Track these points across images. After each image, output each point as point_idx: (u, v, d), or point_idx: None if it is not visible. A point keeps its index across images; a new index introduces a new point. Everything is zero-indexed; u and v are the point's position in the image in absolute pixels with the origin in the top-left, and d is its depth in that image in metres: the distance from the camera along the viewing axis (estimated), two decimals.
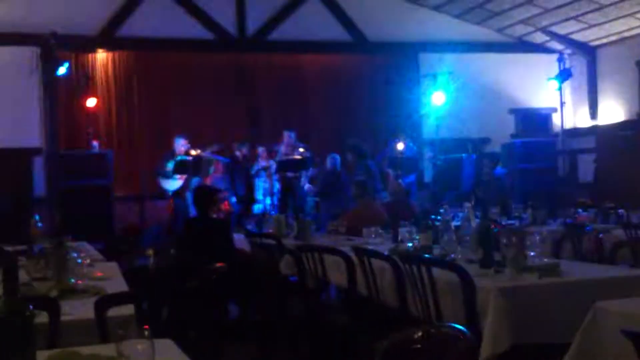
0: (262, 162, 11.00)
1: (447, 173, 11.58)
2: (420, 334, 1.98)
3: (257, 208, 10.60)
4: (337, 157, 10.55)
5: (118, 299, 3.26)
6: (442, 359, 1.94)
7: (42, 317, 2.94)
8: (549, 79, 13.05)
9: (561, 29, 12.75)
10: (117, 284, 4.00)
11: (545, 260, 4.03)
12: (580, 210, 7.55)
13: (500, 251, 3.94)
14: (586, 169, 13.16)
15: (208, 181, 10.47)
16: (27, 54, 11.06)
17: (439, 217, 6.17)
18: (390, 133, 11.97)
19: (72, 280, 3.74)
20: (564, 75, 12.98)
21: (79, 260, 4.18)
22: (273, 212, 8.96)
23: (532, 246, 3.96)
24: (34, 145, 11.04)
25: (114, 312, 3.12)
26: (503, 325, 3.32)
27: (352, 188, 8.24)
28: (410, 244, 5.05)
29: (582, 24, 12.31)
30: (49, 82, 11.06)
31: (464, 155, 11.81)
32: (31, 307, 1.86)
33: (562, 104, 13.31)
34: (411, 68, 13.14)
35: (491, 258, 3.93)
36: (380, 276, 4.46)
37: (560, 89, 13.07)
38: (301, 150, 11.14)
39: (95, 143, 11.06)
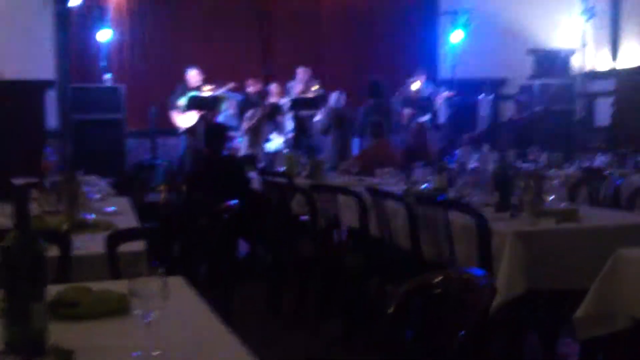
0: (280, 101, 10.87)
1: (463, 114, 11.43)
2: (440, 278, 1.93)
3: (268, 146, 10.52)
4: (340, 94, 10.42)
5: (129, 234, 3.24)
6: (463, 305, 1.90)
7: (53, 251, 2.93)
8: (571, 16, 12.71)
9: None
10: (128, 219, 3.98)
11: (563, 205, 3.96)
12: (599, 154, 7.42)
13: (517, 195, 3.88)
14: (604, 112, 12.95)
15: (220, 118, 10.38)
16: None
17: (454, 159, 6.11)
18: (407, 72, 11.78)
19: (84, 215, 3.72)
20: (588, 13, 12.65)
21: (91, 195, 4.15)
22: (285, 151, 8.88)
23: (550, 190, 3.89)
24: (46, 77, 10.94)
25: (125, 247, 3.10)
26: (518, 270, 3.28)
27: (366, 127, 8.15)
28: (424, 186, 4.99)
29: None
30: (62, 13, 10.89)
31: (480, 96, 11.64)
32: (42, 241, 1.83)
33: (583, 45, 13.02)
34: (429, 5, 12.85)
35: (507, 202, 3.87)
36: (393, 218, 4.41)
37: (583, 28, 12.74)
38: (315, 88, 10.99)
39: (107, 76, 10.95)
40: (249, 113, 10.27)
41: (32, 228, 1.83)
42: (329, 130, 10.10)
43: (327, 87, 11.17)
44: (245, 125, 10.29)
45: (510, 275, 3.27)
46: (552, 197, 3.92)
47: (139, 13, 11.73)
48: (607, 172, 5.99)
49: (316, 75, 11.52)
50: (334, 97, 10.45)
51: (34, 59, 10.81)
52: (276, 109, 10.54)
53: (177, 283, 2.45)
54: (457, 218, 3.72)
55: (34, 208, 4.08)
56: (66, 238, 3.05)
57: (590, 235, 3.53)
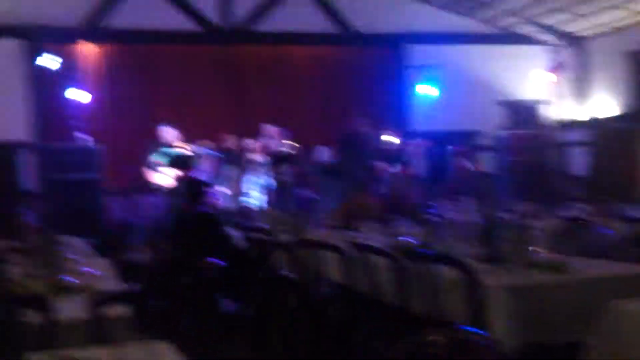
0: (257, 157, 10.82)
1: (436, 166, 11.48)
2: (442, 338, 1.88)
3: (246, 202, 10.44)
4: (324, 148, 10.44)
5: (112, 297, 3.15)
6: None
7: (33, 317, 2.83)
8: (539, 69, 12.98)
9: (550, 20, 12.68)
10: (112, 282, 3.89)
11: (548, 255, 3.94)
12: (577, 204, 7.46)
13: (504, 246, 3.85)
14: (577, 162, 13.11)
15: (199, 175, 10.31)
16: (12, 46, 10.86)
17: (432, 211, 6.08)
18: (378, 125, 11.85)
19: (65, 278, 3.62)
20: (555, 66, 12.93)
21: (71, 257, 4.06)
22: (265, 207, 8.83)
23: (536, 241, 3.87)
24: (20, 138, 10.86)
25: (109, 311, 3.01)
26: (511, 323, 3.23)
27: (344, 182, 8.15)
28: (407, 238, 4.95)
29: (571, 14, 12.24)
30: (35, 74, 10.87)
31: (451, 148, 11.71)
32: (20, 306, 1.76)
33: (552, 96, 13.27)
34: (398, 60, 13.03)
35: (494, 253, 3.84)
36: (379, 272, 4.36)
37: (550, 79, 13.01)
38: (287, 143, 11.01)
39: (81, 136, 10.87)
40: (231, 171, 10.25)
41: (7, 295, 1.76)
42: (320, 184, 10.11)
43: (301, 142, 11.18)
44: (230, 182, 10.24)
45: (502, 330, 3.23)
46: (536, 248, 3.90)
47: (112, 72, 11.72)
48: (589, 221, 5.99)
49: (291, 129, 11.55)
50: (321, 152, 10.45)
51: (6, 120, 10.75)
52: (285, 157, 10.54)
53: (163, 350, 2.37)
54: (445, 271, 3.69)
55: (16, 272, 3.98)
56: (47, 303, 2.95)
57: (581, 286, 3.49)
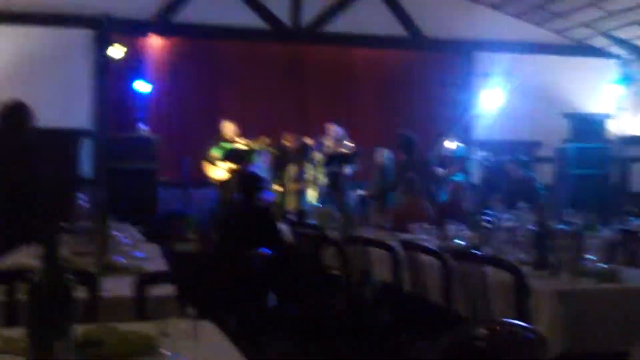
0: (315, 155, 10.85)
1: (496, 175, 11.31)
2: (485, 331, 1.83)
3: (300, 200, 10.48)
4: (387, 151, 10.39)
5: (159, 278, 3.19)
6: (509, 359, 1.79)
7: (81, 293, 2.88)
8: (609, 82, 12.68)
9: (623, 33, 12.36)
10: (158, 265, 3.94)
11: (602, 265, 3.84)
12: (632, 217, 7.25)
13: (555, 254, 3.78)
14: (637, 178, 12.75)
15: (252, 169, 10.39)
16: (82, 36, 11.12)
17: (488, 218, 5.98)
18: (440, 132, 11.75)
19: (114, 258, 3.68)
20: (626, 80, 12.61)
21: (121, 239, 4.12)
22: (318, 205, 8.83)
23: (590, 250, 3.77)
24: (84, 126, 11.12)
25: (154, 291, 3.04)
26: (557, 329, 3.15)
27: (400, 184, 8.09)
28: (458, 242, 4.90)
29: None
30: (102, 64, 11.10)
31: (509, 157, 11.53)
32: (70, 277, 1.78)
33: (620, 109, 12.94)
34: (465, 67, 12.90)
35: (546, 260, 3.76)
36: (427, 272, 4.31)
37: (620, 93, 12.70)
38: (347, 144, 11.00)
39: (143, 127, 11.08)
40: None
41: (63, 262, 1.78)
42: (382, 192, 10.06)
43: (359, 144, 11.16)
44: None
45: (549, 335, 3.14)
46: (590, 257, 3.81)
47: (177, 66, 11.91)
48: None
49: (350, 132, 11.54)
50: (385, 155, 10.42)
51: (72, 109, 11.00)
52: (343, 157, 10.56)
53: (207, 327, 2.38)
54: (493, 274, 3.62)
55: (64, 251, 4.06)
56: (95, 279, 3.00)
57: (631, 296, 3.39)
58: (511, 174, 10.03)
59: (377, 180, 10.28)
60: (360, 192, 10.57)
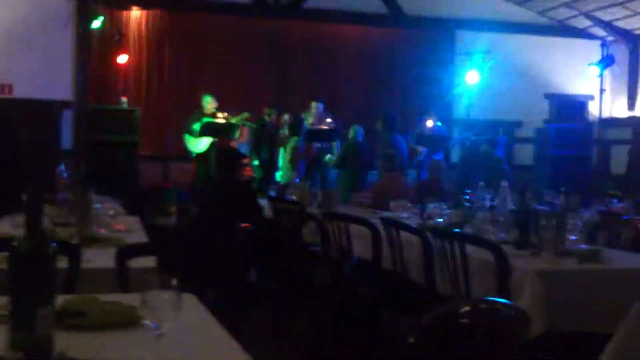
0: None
1: (477, 154, 11.35)
2: (468, 308, 1.83)
3: (279, 175, 10.47)
4: (360, 128, 10.36)
5: (140, 249, 3.16)
6: (492, 337, 1.79)
7: (62, 263, 2.85)
8: (590, 64, 12.74)
9: (605, 15, 12.40)
10: (139, 237, 3.92)
11: (583, 246, 3.86)
12: (614, 200, 7.33)
13: (537, 233, 3.79)
14: (620, 160, 12.86)
15: (233, 145, 10.34)
16: (64, 7, 10.95)
17: (469, 197, 6.01)
18: (421, 110, 11.75)
19: (95, 229, 3.65)
20: (606, 61, 12.68)
21: (102, 211, 4.09)
22: (296, 180, 8.82)
23: (572, 231, 3.79)
24: (64, 97, 10.99)
25: (135, 263, 3.03)
26: (539, 309, 3.17)
27: (380, 161, 8.08)
28: (439, 220, 4.91)
29: (627, 10, 11.96)
30: (83, 35, 10.96)
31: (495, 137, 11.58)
32: (53, 244, 1.75)
33: (601, 91, 13.02)
34: (446, 45, 12.89)
35: (527, 239, 3.78)
36: (407, 250, 4.32)
37: (601, 75, 12.77)
38: (328, 121, 10.97)
39: (124, 99, 10.98)
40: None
41: (46, 231, 1.76)
42: (344, 163, 10.03)
43: (340, 121, 11.14)
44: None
45: (530, 314, 3.16)
46: (573, 237, 3.83)
47: (158, 38, 11.80)
48: (626, 217, 5.88)
49: (330, 108, 11.52)
50: (353, 131, 10.39)
51: (52, 80, 10.88)
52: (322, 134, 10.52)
53: (188, 299, 2.37)
54: (474, 253, 3.63)
55: (46, 221, 4.02)
56: (76, 250, 2.98)
57: (613, 277, 3.42)
58: (483, 155, 10.09)
59: (342, 153, 10.24)
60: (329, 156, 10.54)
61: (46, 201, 4.30)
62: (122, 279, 2.89)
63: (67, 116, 11.00)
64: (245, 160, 9.89)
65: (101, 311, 2.08)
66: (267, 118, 10.96)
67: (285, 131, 10.74)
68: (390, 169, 7.58)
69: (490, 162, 9.52)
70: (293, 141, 10.18)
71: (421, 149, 10.64)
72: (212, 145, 10.34)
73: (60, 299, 2.08)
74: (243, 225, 4.02)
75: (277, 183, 9.53)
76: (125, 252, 3.01)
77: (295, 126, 10.34)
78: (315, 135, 10.65)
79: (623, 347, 2.66)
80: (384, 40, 12.70)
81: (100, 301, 2.17)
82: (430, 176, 8.20)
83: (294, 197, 7.12)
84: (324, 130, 10.74)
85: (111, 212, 4.30)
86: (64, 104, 10.97)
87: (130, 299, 2.05)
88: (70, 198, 4.04)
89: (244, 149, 10.41)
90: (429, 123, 11.29)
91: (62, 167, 6.13)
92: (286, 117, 10.99)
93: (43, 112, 10.71)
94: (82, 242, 3.33)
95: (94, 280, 2.96)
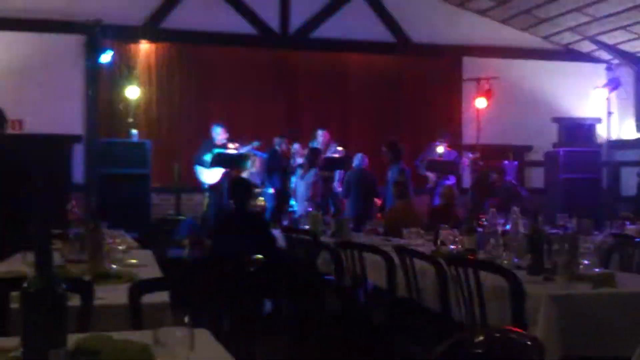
0: (300, 160, 10.87)
1: (488, 179, 11.33)
2: (482, 337, 1.82)
3: (292, 205, 10.48)
4: (364, 156, 10.38)
5: (153, 285, 3.16)
6: None
7: (75, 300, 2.85)
8: (597, 87, 12.77)
9: (609, 39, 12.43)
10: (152, 272, 3.91)
11: (597, 270, 3.84)
12: (627, 222, 7.29)
13: (550, 258, 3.77)
14: (629, 182, 12.81)
15: (244, 176, 10.37)
16: (72, 42, 11.10)
17: (481, 222, 6.00)
18: (430, 136, 11.78)
19: (107, 265, 3.65)
20: (613, 84, 12.68)
21: (114, 246, 4.10)
22: (309, 210, 8.81)
23: (585, 254, 3.77)
24: (75, 132, 11.08)
25: (148, 299, 3.02)
26: (554, 335, 3.15)
27: (392, 188, 8.09)
28: (452, 247, 4.90)
29: (631, 34, 11.99)
30: (92, 70, 11.08)
31: (505, 162, 11.59)
32: (64, 285, 1.75)
33: (609, 114, 13.02)
34: (454, 71, 12.94)
35: (541, 265, 3.76)
36: (421, 277, 4.31)
37: (608, 98, 12.79)
38: (338, 148, 11.01)
39: (134, 132, 11.05)
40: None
41: (55, 271, 1.76)
42: (349, 192, 10.04)
43: (350, 149, 11.17)
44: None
45: (545, 340, 3.14)
46: (586, 262, 3.81)
47: (168, 71, 11.89)
48: (638, 239, 5.84)
49: (340, 136, 11.56)
50: (356, 159, 10.42)
51: (63, 114, 10.99)
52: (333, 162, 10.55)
53: (201, 335, 2.36)
54: (488, 279, 3.61)
55: (57, 257, 4.03)
56: (89, 287, 2.98)
57: (628, 301, 3.40)
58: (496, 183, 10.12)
59: (346, 180, 10.26)
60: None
61: (58, 237, 4.34)
62: (136, 315, 2.88)
63: (78, 150, 11.08)
64: (257, 191, 9.95)
65: (115, 350, 2.07)
66: (277, 148, 10.99)
67: (295, 160, 10.77)
68: (402, 196, 7.58)
69: (504, 188, 9.54)
70: (311, 176, 10.21)
71: (432, 175, 10.65)
72: (223, 176, 10.37)
73: (74, 338, 2.08)
74: (257, 256, 4.01)
75: (290, 212, 9.53)
76: (138, 288, 3.01)
77: (313, 158, 10.36)
78: (327, 163, 10.67)
79: None
80: (391, 68, 12.76)
81: (114, 339, 2.17)
82: (443, 202, 8.20)
83: (307, 227, 7.12)
84: (335, 158, 10.77)
85: (123, 247, 4.30)
86: (75, 139, 11.06)
87: (144, 337, 2.05)
88: (82, 234, 4.04)
89: (257, 179, 10.44)
90: (440, 149, 11.31)
91: (73, 202, 6.17)
92: (296, 146, 11.03)
93: (53, 147, 10.79)
94: (94, 278, 3.34)
95: (107, 317, 2.95)
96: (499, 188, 10.34)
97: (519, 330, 1.94)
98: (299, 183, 10.51)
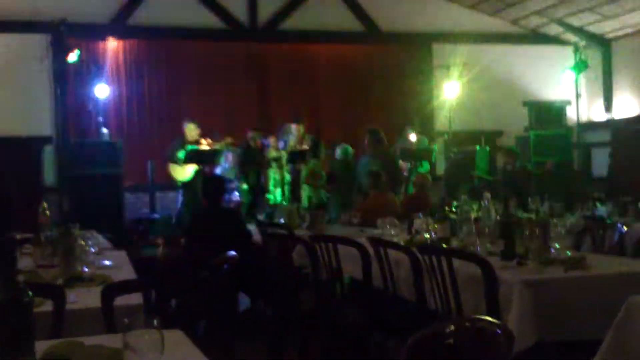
0: (273, 153, 10.85)
1: (461, 166, 11.41)
2: (452, 327, 1.83)
3: (267, 198, 10.46)
4: (349, 147, 10.39)
5: (126, 287, 3.14)
6: (478, 355, 1.79)
7: (47, 306, 2.83)
8: (565, 69, 12.87)
9: (576, 21, 12.54)
10: (126, 273, 3.88)
11: (569, 253, 3.88)
12: (598, 204, 7.37)
13: (523, 243, 3.81)
14: (601, 162, 12.96)
15: (218, 171, 10.33)
16: (38, 42, 10.96)
17: (454, 210, 6.03)
18: (402, 124, 11.81)
19: (79, 268, 3.62)
20: (580, 66, 12.80)
21: (88, 248, 4.06)
22: (284, 203, 8.82)
23: (556, 238, 3.81)
24: (44, 133, 10.96)
25: (121, 301, 3.00)
26: (528, 320, 3.18)
27: (366, 178, 8.09)
28: (426, 236, 4.91)
29: (597, 15, 12.11)
30: (60, 70, 10.94)
31: (477, 147, 11.66)
32: (32, 294, 1.73)
33: (578, 95, 13.15)
34: (424, 59, 12.98)
35: (513, 250, 3.79)
36: (396, 268, 4.32)
37: (576, 80, 12.91)
38: (309, 140, 11.00)
39: (105, 132, 10.94)
40: None
41: (25, 281, 1.74)
42: (334, 183, 10.05)
43: (323, 140, 11.16)
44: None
45: (520, 326, 3.17)
46: (557, 246, 3.84)
47: (137, 68, 11.79)
48: (610, 221, 5.92)
49: (312, 127, 11.55)
50: (340, 150, 10.42)
51: (32, 116, 10.86)
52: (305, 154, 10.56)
53: (175, 337, 2.35)
54: (462, 267, 3.63)
55: (29, 262, 3.99)
56: (60, 292, 2.95)
57: (599, 283, 3.43)
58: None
59: (330, 173, 10.28)
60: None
61: (29, 241, 4.29)
62: (108, 318, 2.86)
63: (49, 152, 10.96)
64: (231, 186, 9.91)
65: (86, 356, 2.06)
66: (252, 143, 10.95)
67: (272, 154, 10.75)
68: (375, 187, 7.59)
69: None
70: (313, 164, 10.21)
71: (406, 164, 10.67)
72: (197, 172, 10.31)
73: (45, 345, 2.07)
74: (232, 253, 3.99)
75: (265, 206, 9.51)
76: (111, 290, 2.99)
77: (315, 148, 10.36)
78: (298, 155, 10.66)
79: (613, 351, 2.68)
80: (362, 57, 12.77)
81: (84, 345, 2.15)
82: (417, 190, 8.22)
83: (282, 220, 7.11)
84: (306, 150, 10.75)
85: (96, 249, 4.26)
86: (45, 140, 10.94)
87: (116, 341, 2.03)
88: (54, 237, 4.00)
89: (231, 174, 10.40)
90: (412, 137, 11.34)
91: (45, 204, 6.09)
92: (269, 140, 11.00)
93: (23, 149, 10.67)
94: (66, 282, 3.30)
95: (80, 321, 2.92)
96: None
97: (488, 318, 1.95)
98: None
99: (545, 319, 3.24)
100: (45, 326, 2.74)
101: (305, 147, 10.76)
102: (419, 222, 5.34)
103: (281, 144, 10.92)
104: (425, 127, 12.32)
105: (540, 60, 13.25)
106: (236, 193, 10.22)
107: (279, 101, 12.45)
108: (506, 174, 10.05)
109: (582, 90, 13.31)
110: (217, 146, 10.51)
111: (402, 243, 4.64)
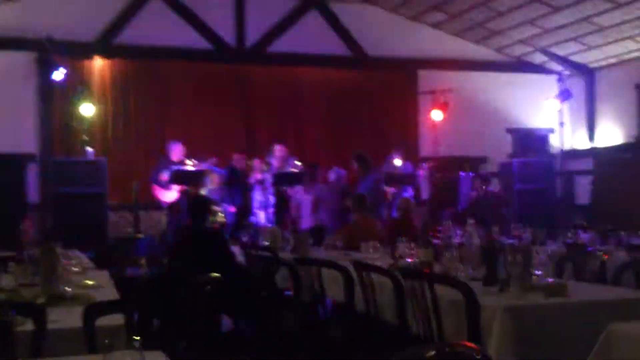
0: (257, 175, 10.86)
1: (445, 191, 11.47)
2: (432, 352, 1.85)
3: (250, 220, 10.45)
4: (342, 171, 10.44)
5: (107, 307, 3.13)
6: None
7: (29, 325, 2.81)
8: (549, 99, 13.03)
9: (560, 50, 12.70)
10: (108, 293, 3.87)
11: (550, 280, 3.91)
12: (580, 231, 7.42)
13: (505, 269, 3.83)
14: (583, 190, 13.07)
15: (203, 193, 10.31)
16: (23, 59, 10.95)
17: (438, 234, 6.06)
18: (387, 149, 11.87)
19: (61, 288, 3.60)
20: (564, 95, 12.95)
21: (70, 268, 4.05)
22: (268, 225, 8.82)
23: (538, 265, 3.84)
24: (29, 151, 10.91)
25: (103, 321, 2.99)
26: (508, 345, 3.20)
27: (350, 201, 8.13)
28: (409, 260, 4.93)
29: (581, 45, 12.28)
30: (45, 87, 10.94)
31: (461, 173, 11.74)
32: (14, 313, 1.73)
33: (561, 124, 13.29)
34: (410, 84, 13.08)
35: (495, 276, 3.82)
36: (379, 292, 4.33)
37: (560, 109, 13.06)
38: (297, 163, 11.01)
39: (90, 150, 10.90)
40: None
41: (2, 299, 1.74)
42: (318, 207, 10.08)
43: (306, 163, 11.18)
44: None
45: (500, 351, 3.19)
46: (539, 272, 3.87)
47: (122, 87, 11.78)
48: (591, 248, 5.98)
49: (296, 150, 11.57)
50: (334, 175, 10.46)
51: (16, 133, 10.81)
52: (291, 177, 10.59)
53: (155, 358, 2.35)
54: (444, 292, 3.65)
55: (10, 281, 3.97)
56: (41, 311, 2.93)
57: (579, 310, 3.47)
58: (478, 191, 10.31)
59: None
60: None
61: (11, 259, 4.27)
62: (90, 339, 2.85)
63: (32, 169, 10.91)
64: (217, 208, 9.89)
65: None
66: (237, 164, 10.95)
67: (255, 176, 10.76)
68: (359, 210, 7.62)
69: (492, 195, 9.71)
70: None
71: (390, 189, 10.72)
72: (182, 193, 10.30)
73: None
74: (214, 274, 3.99)
75: (250, 228, 9.50)
76: (93, 310, 2.98)
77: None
78: (283, 178, 10.68)
79: None
80: (347, 82, 12.84)
81: None
82: (401, 215, 8.26)
83: (266, 242, 7.12)
84: (291, 173, 10.77)
85: (78, 268, 4.25)
86: (29, 157, 10.89)
87: None
88: (36, 255, 3.98)
89: (216, 195, 10.39)
90: (397, 162, 11.40)
91: (28, 222, 6.07)
92: (254, 162, 11.00)
93: (7, 166, 10.62)
94: (48, 301, 3.29)
95: (62, 341, 2.91)
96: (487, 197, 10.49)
97: (468, 344, 1.97)
98: (303, 198, 10.47)
99: (526, 344, 3.26)
100: (26, 345, 2.72)
101: (294, 170, 10.77)
102: (402, 246, 5.36)
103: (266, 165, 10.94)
104: (410, 152, 12.38)
105: (525, 88, 13.40)
106: (221, 214, 10.20)
107: (265, 123, 12.49)
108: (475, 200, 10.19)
109: (566, 118, 13.46)
110: (201, 167, 10.51)
111: (385, 267, 4.66)
